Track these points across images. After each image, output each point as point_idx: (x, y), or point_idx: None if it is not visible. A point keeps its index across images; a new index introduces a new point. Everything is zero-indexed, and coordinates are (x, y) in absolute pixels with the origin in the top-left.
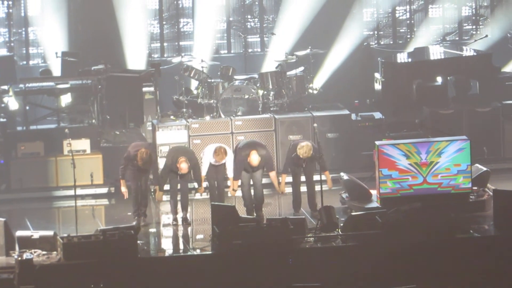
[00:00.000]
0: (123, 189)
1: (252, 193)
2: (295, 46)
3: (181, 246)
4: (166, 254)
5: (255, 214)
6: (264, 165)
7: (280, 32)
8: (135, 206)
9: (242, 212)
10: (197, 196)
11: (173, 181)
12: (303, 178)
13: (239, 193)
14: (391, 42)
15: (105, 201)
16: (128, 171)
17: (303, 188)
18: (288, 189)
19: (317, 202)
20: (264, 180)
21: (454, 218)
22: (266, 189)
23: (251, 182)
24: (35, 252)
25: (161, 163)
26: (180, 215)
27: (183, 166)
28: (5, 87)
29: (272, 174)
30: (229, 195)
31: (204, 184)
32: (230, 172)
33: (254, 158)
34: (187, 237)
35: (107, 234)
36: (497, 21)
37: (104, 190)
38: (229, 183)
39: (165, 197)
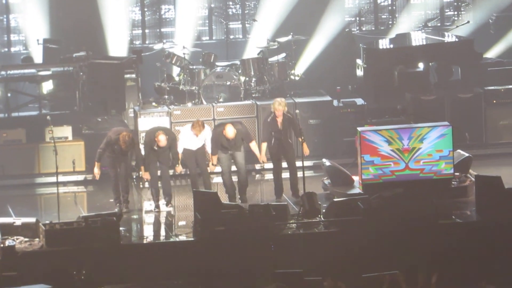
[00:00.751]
0: (96, 171)
1: (235, 179)
2: (276, 32)
3: (163, 233)
4: (148, 240)
5: (238, 198)
6: (242, 141)
7: (262, 19)
8: (116, 193)
9: (224, 198)
10: (179, 182)
11: (153, 165)
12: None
13: (219, 180)
14: (373, 28)
15: (87, 188)
16: (108, 159)
17: (285, 175)
18: (270, 176)
19: (299, 188)
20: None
21: (436, 204)
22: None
23: (232, 169)
24: (17, 239)
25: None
26: (162, 202)
27: (161, 138)
28: None
29: (252, 144)
30: (209, 170)
31: (184, 170)
32: (209, 149)
33: (229, 130)
34: (170, 224)
35: (89, 221)
36: (479, 7)
37: (86, 177)
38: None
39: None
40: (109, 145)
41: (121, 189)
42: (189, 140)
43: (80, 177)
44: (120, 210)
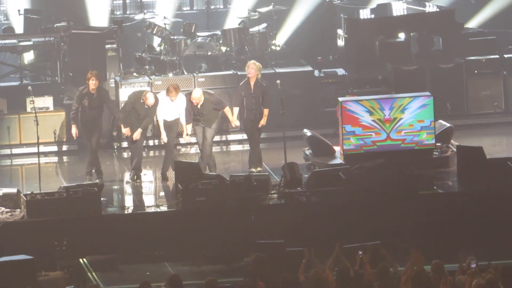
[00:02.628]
0: (74, 131)
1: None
2: (257, 2)
3: (145, 203)
4: (130, 211)
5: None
6: (216, 113)
7: None
8: (88, 167)
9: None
10: (158, 153)
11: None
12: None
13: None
14: None
15: (68, 159)
16: (82, 129)
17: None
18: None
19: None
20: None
21: (418, 174)
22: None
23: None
24: None
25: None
26: (143, 173)
27: (149, 96)
28: None
29: (226, 109)
30: (184, 141)
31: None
32: (183, 120)
33: (194, 92)
34: (151, 194)
35: (71, 191)
36: None
37: (67, 147)
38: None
39: (126, 154)
40: (80, 98)
41: (92, 161)
42: (166, 107)
43: (62, 148)
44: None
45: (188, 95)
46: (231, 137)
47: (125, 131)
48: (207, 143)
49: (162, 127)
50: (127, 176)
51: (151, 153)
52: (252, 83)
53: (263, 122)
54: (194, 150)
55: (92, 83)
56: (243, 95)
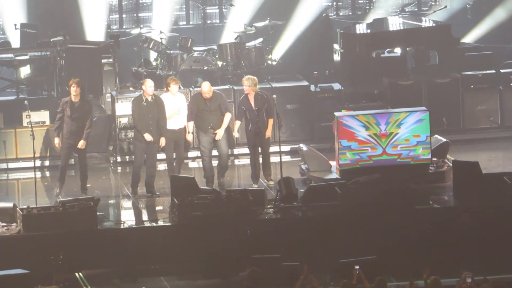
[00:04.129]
0: (56, 141)
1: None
2: (254, 17)
3: (141, 218)
4: (126, 225)
5: (216, 182)
6: (220, 109)
7: (239, 3)
8: (60, 181)
9: (201, 183)
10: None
11: (138, 151)
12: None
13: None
14: (350, 13)
15: None
16: (62, 148)
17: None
18: (247, 161)
19: (271, 172)
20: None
21: (414, 189)
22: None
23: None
24: None
25: (121, 134)
26: (140, 188)
27: (150, 84)
28: None
29: (227, 115)
30: (189, 139)
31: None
32: (184, 119)
33: (205, 85)
34: (147, 209)
35: (67, 205)
36: None
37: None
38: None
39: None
40: (62, 108)
41: (80, 176)
42: (169, 108)
43: (58, 162)
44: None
45: (195, 94)
46: (238, 150)
47: (148, 136)
48: (224, 153)
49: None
50: (123, 191)
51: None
52: (250, 97)
53: (268, 133)
54: (192, 164)
55: (73, 90)
56: (245, 109)
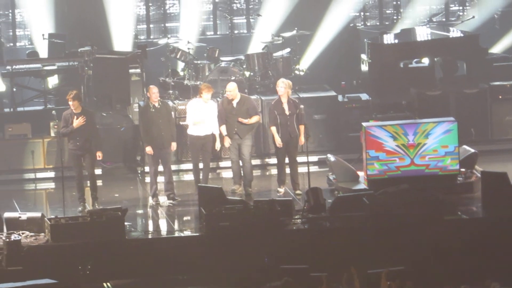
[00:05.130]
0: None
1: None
2: (281, 27)
3: (168, 228)
4: (153, 235)
5: (242, 188)
6: (249, 112)
7: (266, 13)
8: (79, 192)
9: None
10: (185, 176)
11: (151, 158)
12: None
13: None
14: (378, 24)
15: None
16: (70, 157)
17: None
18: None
19: (299, 182)
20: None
21: (442, 200)
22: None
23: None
24: (23, 233)
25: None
26: (162, 197)
27: (154, 89)
28: None
29: (255, 118)
30: (217, 147)
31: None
32: (215, 129)
33: (229, 84)
34: (174, 219)
35: (95, 215)
36: (484, 2)
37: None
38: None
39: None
40: (66, 119)
41: (90, 186)
42: (197, 114)
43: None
44: (83, 209)
45: (224, 97)
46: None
47: (149, 150)
48: (246, 159)
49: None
50: (150, 200)
51: (174, 177)
52: (284, 100)
53: (302, 140)
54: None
55: (71, 104)
56: (276, 113)
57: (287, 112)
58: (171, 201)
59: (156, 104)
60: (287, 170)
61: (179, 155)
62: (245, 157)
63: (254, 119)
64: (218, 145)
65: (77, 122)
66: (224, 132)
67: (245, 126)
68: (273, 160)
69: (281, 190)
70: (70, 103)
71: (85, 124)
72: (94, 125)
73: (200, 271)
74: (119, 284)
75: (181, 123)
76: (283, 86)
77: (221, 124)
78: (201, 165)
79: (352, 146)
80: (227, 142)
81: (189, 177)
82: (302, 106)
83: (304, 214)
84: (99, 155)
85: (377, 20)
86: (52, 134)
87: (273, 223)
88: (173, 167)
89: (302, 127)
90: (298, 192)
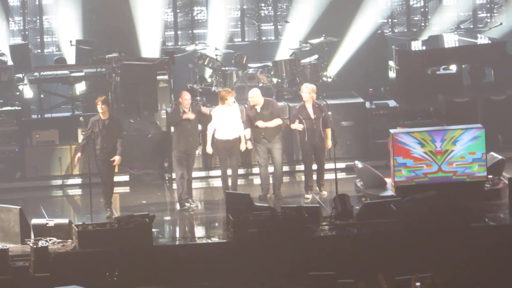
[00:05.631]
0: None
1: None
2: (309, 34)
3: (196, 234)
4: (181, 242)
5: (272, 193)
6: (273, 115)
7: (294, 20)
8: (105, 198)
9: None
10: (213, 182)
11: (177, 162)
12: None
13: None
14: (405, 30)
15: (120, 189)
16: (96, 163)
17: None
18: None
19: (325, 183)
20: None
21: (469, 207)
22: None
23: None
24: (50, 240)
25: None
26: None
27: (186, 96)
28: (20, 75)
29: (277, 120)
30: (242, 148)
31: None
32: (241, 131)
33: (251, 91)
34: (202, 225)
35: (122, 222)
36: None
37: (119, 178)
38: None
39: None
40: (92, 125)
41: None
42: (222, 120)
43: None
44: (110, 214)
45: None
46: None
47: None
48: (277, 163)
49: (209, 138)
50: (178, 206)
51: (200, 184)
52: (309, 105)
53: (328, 144)
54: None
55: (100, 108)
56: (302, 118)
57: (312, 116)
58: (189, 205)
59: (187, 110)
60: (314, 177)
61: (207, 162)
62: (277, 160)
63: (275, 121)
64: (243, 146)
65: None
66: (248, 136)
67: (272, 129)
68: (302, 167)
69: (309, 196)
70: (99, 106)
71: (111, 130)
72: (121, 131)
73: (228, 277)
74: None
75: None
76: (307, 91)
77: (245, 127)
78: (229, 171)
79: (379, 153)
80: (249, 144)
81: (217, 183)
82: (330, 113)
83: (332, 221)
84: (115, 159)
85: (404, 27)
86: (80, 141)
87: (301, 229)
88: (202, 174)
89: (328, 131)
90: (323, 192)
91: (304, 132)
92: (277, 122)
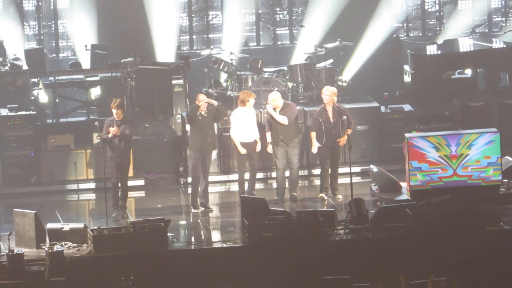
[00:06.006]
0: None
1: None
2: (324, 38)
3: (211, 239)
4: (196, 246)
5: (287, 197)
6: (285, 112)
7: (309, 25)
8: (114, 199)
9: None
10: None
11: (195, 169)
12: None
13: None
14: (421, 34)
15: (135, 194)
16: (109, 164)
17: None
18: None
19: (339, 188)
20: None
21: (484, 211)
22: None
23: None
24: (65, 244)
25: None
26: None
27: (201, 97)
28: (35, 80)
29: (284, 118)
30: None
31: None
32: (257, 134)
33: (271, 94)
34: (217, 230)
35: (137, 226)
36: None
37: (134, 182)
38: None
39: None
40: (107, 127)
41: (120, 195)
42: (242, 123)
43: (129, 183)
44: (116, 215)
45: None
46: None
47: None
48: (294, 168)
49: (236, 140)
50: (193, 211)
51: (216, 188)
52: (329, 108)
53: (343, 140)
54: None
55: (115, 112)
56: (321, 121)
57: (331, 120)
58: (203, 209)
59: (203, 113)
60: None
61: (224, 166)
62: (293, 165)
63: (280, 117)
64: (259, 147)
65: (113, 130)
66: (269, 139)
67: (290, 133)
68: (317, 171)
69: (323, 195)
70: (114, 111)
71: (124, 132)
72: (131, 133)
73: (243, 282)
74: None
75: (224, 134)
76: (328, 93)
77: (267, 130)
78: (247, 176)
79: (394, 157)
80: (270, 148)
81: (233, 187)
82: (344, 117)
83: (347, 225)
84: (114, 130)
85: (420, 31)
86: (94, 143)
87: (316, 233)
88: (218, 178)
89: (349, 130)
90: (338, 197)
91: (323, 135)
92: (281, 118)
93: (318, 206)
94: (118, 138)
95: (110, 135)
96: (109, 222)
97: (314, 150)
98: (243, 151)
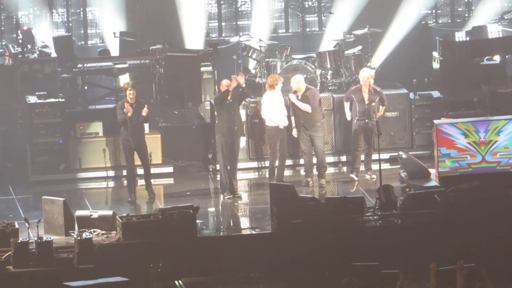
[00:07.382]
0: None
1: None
2: (353, 25)
3: (240, 225)
4: (225, 233)
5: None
6: (307, 97)
7: (338, 11)
8: (129, 184)
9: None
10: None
11: (223, 155)
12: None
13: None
14: (449, 21)
15: (164, 181)
16: (123, 149)
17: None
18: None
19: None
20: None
21: None
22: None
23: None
24: (94, 231)
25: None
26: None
27: (224, 83)
28: (64, 67)
29: (307, 106)
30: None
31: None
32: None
33: (294, 77)
34: (246, 216)
35: (166, 213)
36: None
37: (162, 169)
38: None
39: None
40: (121, 108)
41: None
42: (273, 106)
43: (157, 170)
44: (132, 199)
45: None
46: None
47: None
48: (319, 151)
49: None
50: (222, 198)
51: (245, 175)
52: (365, 89)
53: (380, 113)
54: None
55: (129, 93)
56: (356, 100)
57: (366, 101)
58: (231, 195)
59: (229, 98)
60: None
61: (255, 153)
62: (318, 149)
63: (303, 104)
64: (295, 132)
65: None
66: (293, 123)
67: (310, 118)
68: (344, 157)
69: (353, 176)
70: (130, 91)
71: (137, 114)
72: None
73: (272, 268)
74: (191, 282)
75: (252, 120)
76: (366, 76)
77: (291, 115)
78: (277, 163)
79: (423, 144)
80: (294, 132)
81: (262, 174)
82: (373, 104)
83: (376, 212)
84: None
85: (448, 18)
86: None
87: (345, 220)
88: (249, 164)
89: (383, 108)
90: (372, 176)
91: (356, 113)
92: (304, 106)
93: (348, 188)
94: (135, 120)
95: (129, 113)
96: (138, 209)
97: (348, 117)
98: (279, 122)
